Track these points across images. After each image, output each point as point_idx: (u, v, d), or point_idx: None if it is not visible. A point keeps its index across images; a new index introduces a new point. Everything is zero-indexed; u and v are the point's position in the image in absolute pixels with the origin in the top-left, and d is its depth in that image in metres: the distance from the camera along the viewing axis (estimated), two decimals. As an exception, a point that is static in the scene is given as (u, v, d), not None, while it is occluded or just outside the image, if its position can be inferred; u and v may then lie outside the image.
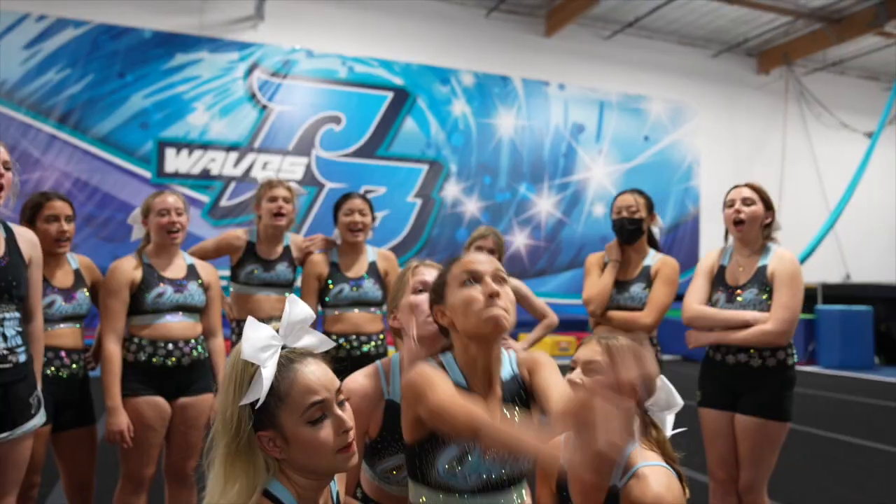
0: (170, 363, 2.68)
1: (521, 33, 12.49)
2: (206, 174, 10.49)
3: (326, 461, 1.23)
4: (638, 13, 12.22)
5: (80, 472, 2.73)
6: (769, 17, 12.57)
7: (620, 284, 3.11)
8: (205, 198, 10.43)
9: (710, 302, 2.86)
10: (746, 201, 2.83)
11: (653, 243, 3.23)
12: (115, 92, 10.11)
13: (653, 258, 3.15)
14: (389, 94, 11.49)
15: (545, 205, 12.52)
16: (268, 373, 1.19)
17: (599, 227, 12.83)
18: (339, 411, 1.24)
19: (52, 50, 9.83)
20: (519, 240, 12.28)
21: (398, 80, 11.57)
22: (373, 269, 3.25)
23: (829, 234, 13.12)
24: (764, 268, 2.75)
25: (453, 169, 11.87)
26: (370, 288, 3.19)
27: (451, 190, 11.85)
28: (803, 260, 12.22)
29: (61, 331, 2.62)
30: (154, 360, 2.67)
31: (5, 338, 2.07)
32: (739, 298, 2.76)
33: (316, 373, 1.23)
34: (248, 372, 1.20)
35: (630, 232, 3.14)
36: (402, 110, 11.55)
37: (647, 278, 3.08)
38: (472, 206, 11.96)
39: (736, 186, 2.94)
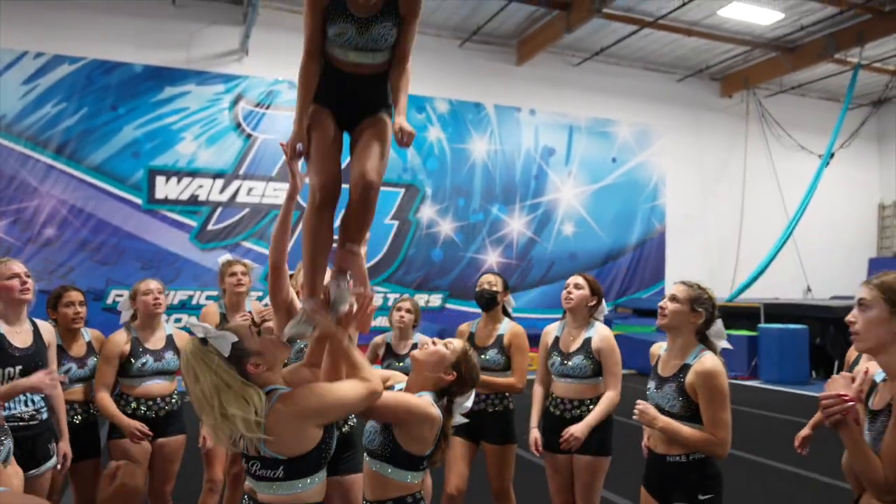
0: (151, 415, 3.55)
1: (493, 62, 13.20)
2: (194, 200, 11.15)
3: (282, 342, 2.16)
4: (603, 43, 12.93)
5: (89, 492, 3.56)
6: (727, 46, 13.30)
7: (480, 349, 3.86)
8: (193, 223, 11.10)
9: (549, 363, 3.64)
10: (577, 286, 3.60)
11: (506, 313, 4.02)
12: (108, 123, 10.76)
13: (505, 327, 3.92)
14: (368, 122, 12.17)
15: (517, 224, 13.25)
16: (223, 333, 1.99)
17: (569, 244, 13.58)
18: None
19: (49, 85, 10.47)
20: (492, 258, 13.00)
21: (376, 109, 12.23)
22: None
23: (790, 250, 13.91)
24: (589, 339, 3.55)
25: (429, 192, 12.58)
26: None
27: (427, 212, 12.56)
28: (758, 275, 12.99)
29: (75, 389, 3.53)
30: (138, 412, 3.53)
31: (33, 402, 2.98)
32: (569, 362, 3.54)
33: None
34: (207, 350, 1.97)
35: (487, 301, 3.93)
36: (380, 137, 12.22)
37: (501, 345, 3.86)
38: (446, 227, 12.68)
39: (574, 275, 3.68)
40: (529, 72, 13.34)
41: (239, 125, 11.48)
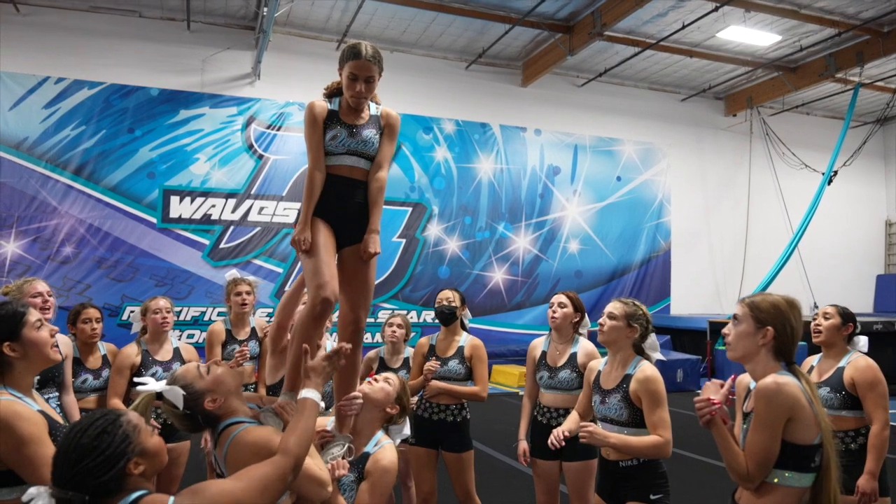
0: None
1: (499, 83, 13.50)
2: (206, 219, 11.48)
3: (232, 370, 2.31)
4: (607, 64, 13.19)
5: None
6: (730, 66, 13.52)
7: (441, 360, 4.11)
8: (205, 241, 11.43)
9: (537, 377, 3.82)
10: (561, 305, 3.80)
11: (464, 327, 4.27)
12: (126, 145, 11.15)
13: (465, 340, 4.18)
14: (376, 143, 12.47)
15: (523, 242, 13.46)
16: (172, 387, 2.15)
17: (574, 262, 13.77)
18: None
19: (69, 109, 10.88)
20: (498, 275, 13.21)
21: (384, 130, 12.55)
22: None
23: (797, 267, 14.02)
24: (574, 354, 3.77)
25: (435, 210, 12.84)
26: None
27: (434, 230, 12.82)
28: (760, 292, 13.04)
29: (90, 398, 3.84)
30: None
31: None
32: (557, 375, 3.75)
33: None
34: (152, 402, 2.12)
35: (447, 316, 4.18)
36: (388, 157, 12.52)
37: (462, 356, 4.12)
38: (453, 245, 12.93)
39: (556, 294, 3.88)
40: (535, 92, 13.63)
41: (251, 146, 11.83)
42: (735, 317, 2.37)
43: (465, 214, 13.10)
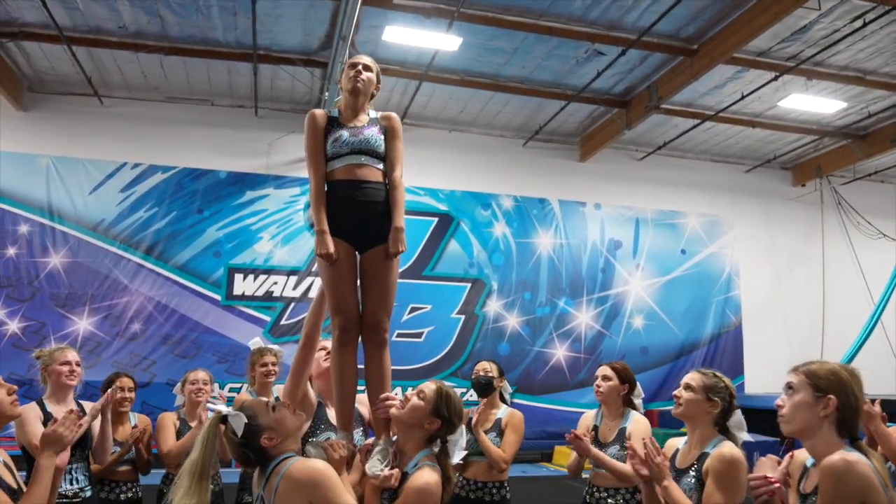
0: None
1: (556, 159, 13.54)
2: (268, 296, 11.69)
3: (296, 413, 2.38)
4: (666, 137, 13.10)
5: None
6: (795, 135, 13.21)
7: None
8: (266, 317, 11.60)
9: None
10: (605, 378, 3.60)
11: (503, 399, 4.13)
12: (194, 226, 11.59)
13: (503, 412, 4.02)
14: (435, 220, 12.61)
15: (585, 318, 13.13)
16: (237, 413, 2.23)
17: (639, 338, 13.30)
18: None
19: (144, 192, 11.44)
20: (560, 352, 12.86)
21: (443, 207, 12.72)
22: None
23: (882, 343, 13.18)
24: (624, 429, 3.54)
25: (495, 286, 12.72)
26: None
27: (493, 306, 12.66)
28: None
29: (122, 471, 3.83)
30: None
31: (77, 480, 3.28)
32: (607, 452, 3.53)
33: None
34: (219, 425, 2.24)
35: (483, 387, 4.05)
36: (447, 233, 12.62)
37: (499, 429, 3.95)
38: (513, 321, 12.71)
39: (602, 366, 3.69)
40: (593, 167, 13.59)
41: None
42: (790, 386, 2.13)
43: (525, 290, 12.92)
